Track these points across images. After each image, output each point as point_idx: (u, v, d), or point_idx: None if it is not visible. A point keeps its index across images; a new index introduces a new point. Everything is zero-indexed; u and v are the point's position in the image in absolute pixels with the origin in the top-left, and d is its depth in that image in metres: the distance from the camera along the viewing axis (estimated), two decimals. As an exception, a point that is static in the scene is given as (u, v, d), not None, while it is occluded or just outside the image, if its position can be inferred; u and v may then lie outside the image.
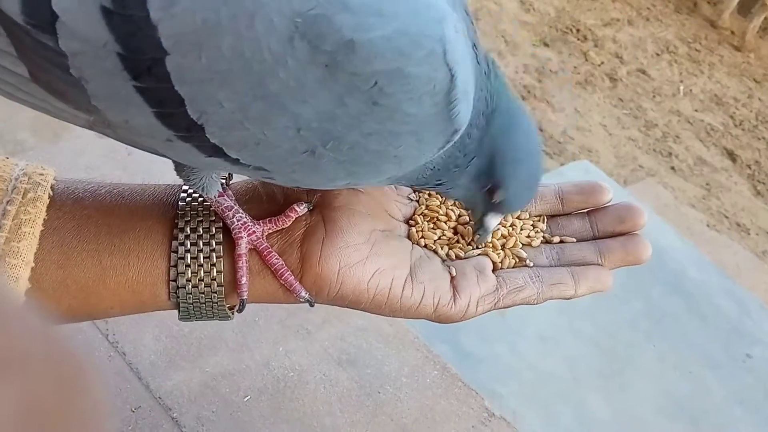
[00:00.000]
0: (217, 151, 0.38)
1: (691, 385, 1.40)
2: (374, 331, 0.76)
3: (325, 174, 0.40)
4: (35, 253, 0.43)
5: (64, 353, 0.19)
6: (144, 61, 0.35)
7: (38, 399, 0.17)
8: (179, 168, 0.44)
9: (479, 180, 0.45)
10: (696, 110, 2.85)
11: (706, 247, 1.87)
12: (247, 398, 0.68)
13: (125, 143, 0.41)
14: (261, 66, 0.34)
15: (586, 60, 2.93)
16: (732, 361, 1.46)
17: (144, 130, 0.38)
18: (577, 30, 3.09)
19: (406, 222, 0.51)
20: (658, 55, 3.12)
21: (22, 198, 0.44)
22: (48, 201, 0.45)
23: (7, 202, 0.44)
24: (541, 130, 2.48)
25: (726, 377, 1.42)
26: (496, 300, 0.48)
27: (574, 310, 1.38)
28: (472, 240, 0.50)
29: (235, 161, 0.39)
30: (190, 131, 0.37)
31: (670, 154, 2.58)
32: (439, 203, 0.52)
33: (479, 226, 0.48)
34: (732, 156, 2.66)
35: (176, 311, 0.48)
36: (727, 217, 2.36)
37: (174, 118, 0.36)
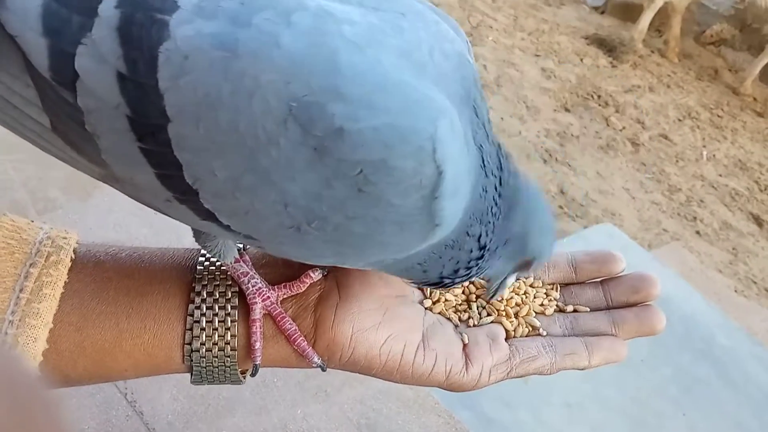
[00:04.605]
0: (210, 216, 0.39)
1: (723, 457, 1.34)
2: (394, 394, 0.74)
3: (312, 250, 0.40)
4: (54, 315, 0.44)
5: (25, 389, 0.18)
6: (149, 125, 0.36)
7: None
8: (197, 234, 0.45)
9: (512, 259, 0.46)
10: (720, 175, 2.84)
11: (734, 313, 1.83)
12: (263, 462, 0.66)
13: (132, 198, 0.42)
14: (254, 142, 0.35)
15: (608, 125, 2.95)
16: (765, 430, 1.41)
17: (146, 187, 0.39)
18: (599, 96, 3.12)
19: (419, 288, 0.51)
20: (680, 120, 3.13)
21: (45, 261, 0.45)
22: (70, 264, 0.46)
23: (30, 264, 0.45)
24: (562, 193, 2.48)
25: (759, 449, 1.37)
26: (508, 369, 0.48)
27: (600, 377, 1.34)
28: (490, 297, 0.50)
29: (227, 227, 0.40)
30: (185, 194, 0.38)
31: (695, 218, 2.56)
32: None
33: (499, 285, 0.48)
34: (758, 221, 2.63)
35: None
36: (755, 283, 2.31)
37: (172, 180, 0.38)
